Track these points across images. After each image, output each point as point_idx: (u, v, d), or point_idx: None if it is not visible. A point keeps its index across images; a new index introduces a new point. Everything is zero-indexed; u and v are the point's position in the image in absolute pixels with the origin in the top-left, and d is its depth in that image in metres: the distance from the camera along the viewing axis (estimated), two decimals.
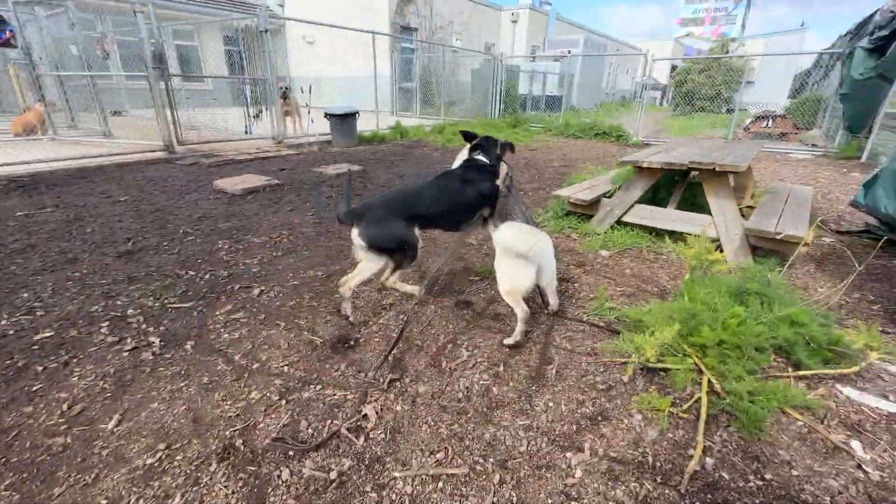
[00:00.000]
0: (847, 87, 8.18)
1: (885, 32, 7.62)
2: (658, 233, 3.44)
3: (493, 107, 13.40)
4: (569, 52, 18.10)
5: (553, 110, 17.32)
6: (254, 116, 7.85)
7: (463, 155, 2.57)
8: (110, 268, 2.85)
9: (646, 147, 10.28)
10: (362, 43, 12.38)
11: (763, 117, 12.58)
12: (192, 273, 2.81)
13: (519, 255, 1.97)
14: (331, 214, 4.03)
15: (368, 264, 2.13)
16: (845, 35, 13.53)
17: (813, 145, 10.31)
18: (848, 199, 5.13)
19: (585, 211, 3.65)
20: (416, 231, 2.15)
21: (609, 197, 3.62)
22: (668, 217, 3.27)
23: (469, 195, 2.34)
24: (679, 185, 3.36)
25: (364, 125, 9.89)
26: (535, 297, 2.44)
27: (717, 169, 2.81)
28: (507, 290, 2.05)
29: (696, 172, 3.11)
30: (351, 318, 2.27)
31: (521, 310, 2.01)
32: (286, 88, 8.07)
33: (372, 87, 9.81)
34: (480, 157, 2.48)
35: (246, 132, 8.18)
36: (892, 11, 8.93)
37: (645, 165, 3.08)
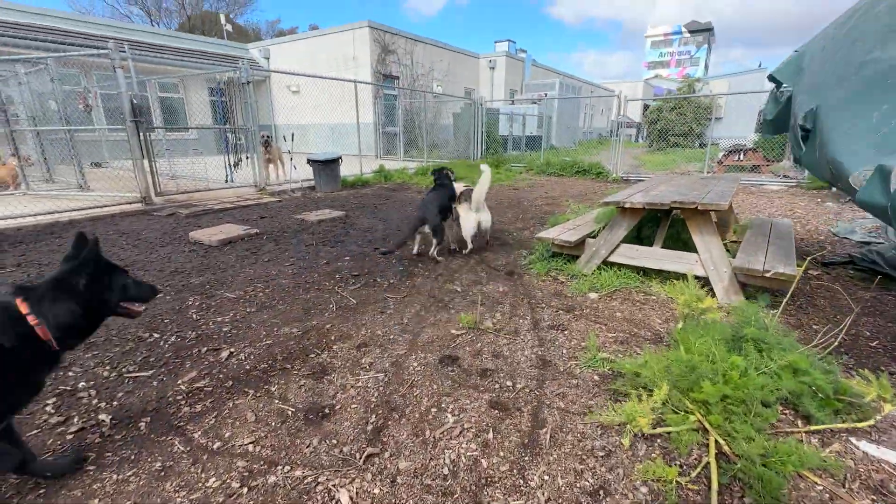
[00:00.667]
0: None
1: None
2: (646, 272, 3.37)
3: (475, 148, 13.70)
4: (545, 94, 18.86)
5: (534, 149, 17.81)
6: (234, 165, 7.82)
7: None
8: None
9: (626, 183, 10.52)
10: (346, 91, 12.74)
11: (735, 151, 13.07)
12: (156, 335, 2.61)
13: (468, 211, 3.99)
14: (309, 264, 3.90)
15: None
16: None
17: (784, 176, 10.67)
18: (825, 228, 5.21)
19: (571, 252, 3.59)
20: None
21: (594, 237, 3.57)
22: (655, 256, 3.21)
23: (446, 197, 4.11)
24: (663, 223, 3.34)
25: (348, 170, 9.95)
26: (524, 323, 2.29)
27: (699, 208, 2.79)
28: (465, 228, 4.05)
29: (679, 210, 3.09)
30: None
31: (468, 244, 4.10)
32: (268, 137, 8.16)
33: (354, 133, 9.96)
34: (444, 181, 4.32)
35: (227, 180, 8.12)
36: None
37: (627, 206, 3.05)
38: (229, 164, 7.95)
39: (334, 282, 3.48)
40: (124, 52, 5.95)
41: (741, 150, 13.01)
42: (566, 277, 3.49)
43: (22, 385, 1.37)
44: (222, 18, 20.19)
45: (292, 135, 7.73)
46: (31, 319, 1.32)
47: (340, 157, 8.04)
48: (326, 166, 7.80)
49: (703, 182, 3.89)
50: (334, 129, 14.77)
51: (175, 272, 3.70)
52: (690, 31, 75.20)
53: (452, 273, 3.69)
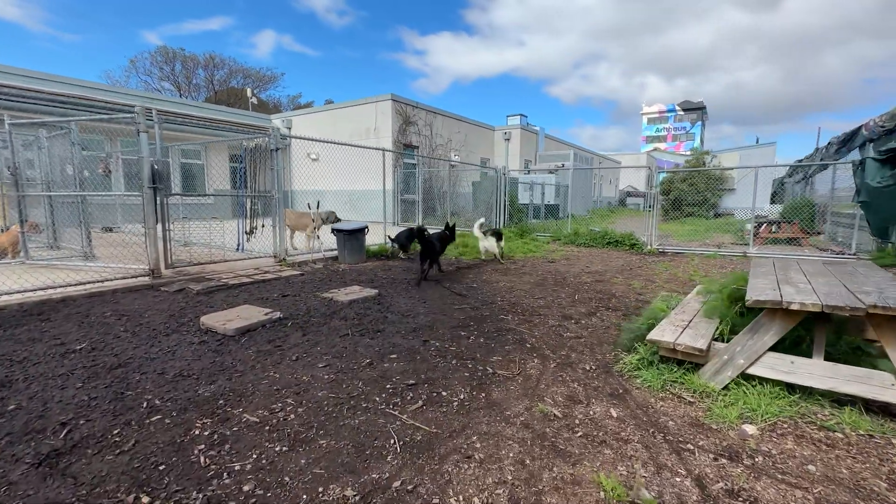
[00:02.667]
0: (865, 195, 8.07)
1: (893, 145, 7.71)
2: (799, 389, 2.53)
3: (497, 216, 13.31)
4: (562, 164, 18.98)
5: (551, 218, 17.51)
6: (248, 232, 7.27)
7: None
8: (14, 491, 1.79)
9: (663, 255, 9.87)
10: (365, 159, 12.65)
11: (771, 222, 12.57)
12: (145, 501, 1.76)
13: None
14: (348, 364, 3.08)
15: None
16: (825, 147, 14.32)
17: (831, 251, 10.01)
18: None
19: (691, 358, 2.78)
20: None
21: (723, 341, 2.78)
22: (821, 372, 2.40)
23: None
24: (820, 327, 2.57)
25: (370, 238, 9.41)
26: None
27: None
28: (484, 248, 8.02)
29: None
30: None
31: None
32: (331, 214, 8.16)
33: (374, 199, 9.59)
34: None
35: (238, 248, 7.52)
36: (881, 126, 9.30)
37: (796, 308, 2.29)
38: (244, 232, 7.39)
39: (386, 395, 2.65)
40: (151, 117, 5.62)
41: (776, 221, 12.52)
42: (692, 395, 2.65)
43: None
44: (248, 92, 21.14)
45: (318, 203, 7.25)
46: None
47: (367, 227, 7.49)
48: (352, 236, 7.23)
49: (849, 272, 3.16)
50: (351, 195, 14.58)
51: (180, 376, 2.89)
52: (684, 110, 79.47)
53: (535, 383, 2.86)
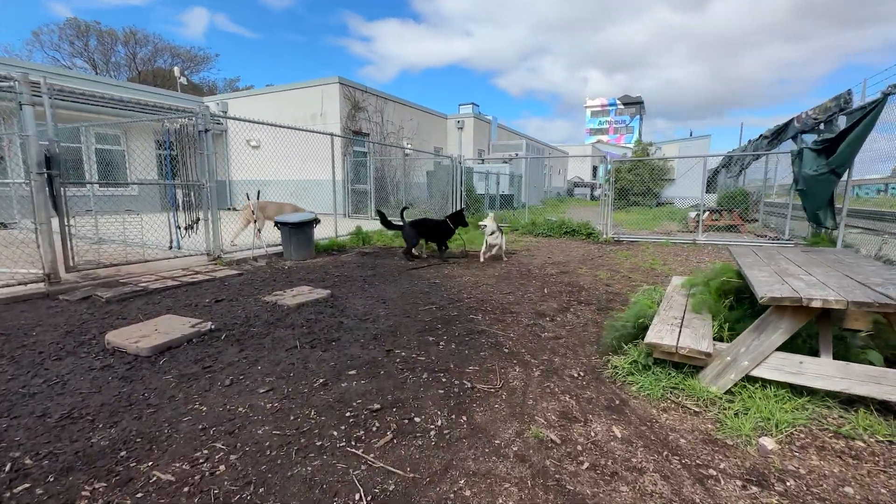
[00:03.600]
0: (803, 183, 8.49)
1: (829, 136, 8.14)
2: (805, 391, 2.33)
3: (454, 206, 12.91)
4: (516, 154, 18.90)
5: (507, 208, 17.41)
6: (184, 228, 6.34)
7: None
8: None
9: (619, 244, 9.95)
10: (312, 146, 11.74)
11: (713, 210, 13.14)
12: None
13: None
14: (297, 388, 2.53)
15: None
16: (758, 139, 15.20)
17: (769, 237, 10.58)
18: None
19: (689, 361, 2.50)
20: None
21: (721, 340, 2.53)
22: (834, 372, 2.19)
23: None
24: (824, 324, 2.37)
25: (320, 232, 8.67)
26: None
27: None
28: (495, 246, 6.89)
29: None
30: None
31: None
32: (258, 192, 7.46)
33: (322, 189, 8.84)
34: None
35: (171, 247, 6.57)
36: (814, 118, 9.85)
37: (817, 305, 2.04)
38: (178, 227, 6.44)
39: (346, 427, 2.15)
40: (39, 90, 4.60)
41: (719, 209, 13.12)
42: (696, 403, 2.37)
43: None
44: (176, 71, 19.08)
45: (258, 192, 6.45)
46: None
47: (317, 219, 6.79)
48: (299, 229, 6.51)
49: (836, 260, 3.03)
50: (297, 185, 13.57)
51: (69, 418, 2.20)
52: (624, 104, 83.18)
53: (522, 398, 2.47)
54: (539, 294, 4.91)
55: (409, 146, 17.40)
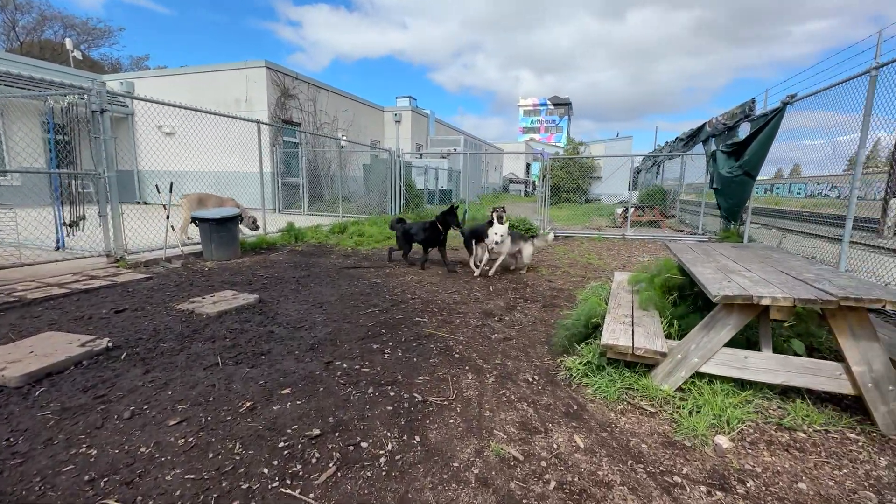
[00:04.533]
0: (718, 182, 9.27)
1: (738, 139, 8.95)
2: (749, 384, 2.40)
3: (392, 202, 12.54)
4: (454, 149, 18.87)
5: (445, 203, 17.35)
6: (70, 224, 5.41)
7: None
8: None
9: (555, 239, 10.25)
10: (237, 135, 10.76)
11: (639, 207, 14.03)
12: None
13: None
14: (217, 415, 2.14)
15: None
16: (675, 141, 16.50)
17: (686, 232, 11.51)
18: None
19: (644, 360, 2.48)
20: None
21: (668, 337, 2.53)
22: (776, 366, 2.26)
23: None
24: (764, 319, 2.46)
25: (244, 229, 7.92)
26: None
27: (887, 306, 1.92)
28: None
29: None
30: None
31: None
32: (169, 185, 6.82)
33: (249, 182, 8.08)
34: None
35: (58, 247, 5.60)
36: (724, 123, 10.80)
37: (767, 303, 2.07)
38: (63, 224, 5.49)
39: (280, 461, 1.83)
40: None
41: (643, 206, 14.03)
42: (651, 403, 2.34)
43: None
44: (68, 44, 16.51)
45: (170, 184, 5.68)
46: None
47: (241, 215, 6.15)
48: (221, 226, 5.84)
49: (765, 256, 3.19)
50: (219, 178, 12.40)
51: None
52: (554, 104, 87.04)
53: (478, 409, 2.29)
54: (484, 292, 4.80)
55: (345, 138, 16.68)
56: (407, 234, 6.12)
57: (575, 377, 2.63)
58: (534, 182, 41.78)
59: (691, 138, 13.99)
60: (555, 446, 1.98)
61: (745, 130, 9.80)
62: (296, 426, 2.09)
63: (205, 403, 2.27)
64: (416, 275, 5.56)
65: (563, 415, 2.26)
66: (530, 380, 2.66)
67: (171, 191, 5.63)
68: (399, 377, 2.64)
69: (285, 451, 1.89)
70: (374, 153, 14.86)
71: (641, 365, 2.54)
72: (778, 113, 7.31)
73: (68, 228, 5.59)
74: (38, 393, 2.32)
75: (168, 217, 5.58)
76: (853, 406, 2.28)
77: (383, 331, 3.46)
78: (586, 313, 2.98)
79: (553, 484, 1.73)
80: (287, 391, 2.43)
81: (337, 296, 4.43)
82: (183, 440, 1.95)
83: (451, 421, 2.18)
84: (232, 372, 2.64)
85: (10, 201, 7.06)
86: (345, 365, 2.79)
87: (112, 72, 28.70)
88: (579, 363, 2.72)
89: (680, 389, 2.42)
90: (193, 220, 5.77)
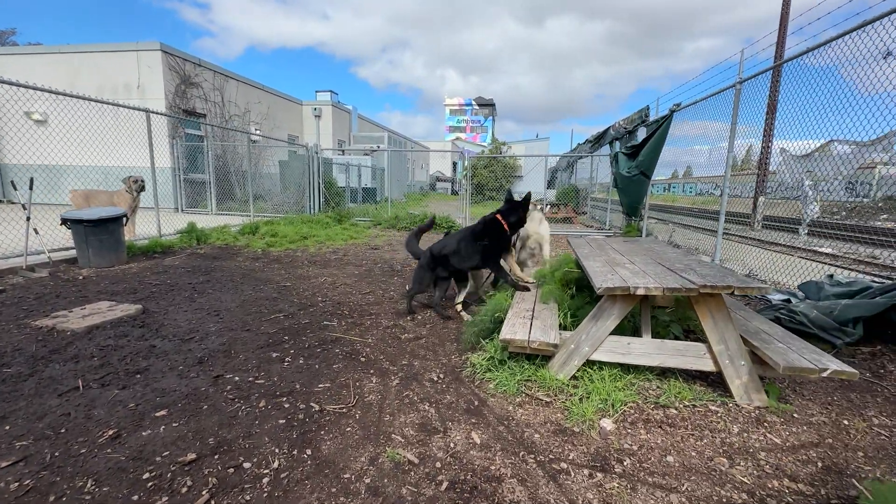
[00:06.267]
0: (620, 182, 10.11)
1: (636, 142, 9.81)
2: (632, 368, 2.60)
3: (311, 201, 11.98)
4: (377, 146, 18.55)
5: (370, 202, 16.99)
6: None
7: None
8: None
9: None
10: (128, 126, 9.57)
11: (554, 204, 14.86)
12: None
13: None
14: (66, 454, 1.84)
15: None
16: (584, 143, 17.71)
17: (595, 227, 12.43)
18: None
19: (540, 352, 2.58)
20: None
21: (565, 328, 2.66)
22: (651, 350, 2.47)
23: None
24: (645, 306, 2.67)
25: (140, 229, 7.09)
26: None
27: (736, 292, 2.15)
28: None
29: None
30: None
31: None
32: (142, 182, 6.98)
33: (146, 179, 7.19)
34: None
35: None
36: (625, 128, 11.77)
37: (641, 293, 2.23)
38: None
39: (142, 496, 1.60)
40: None
41: (558, 203, 14.89)
42: (547, 393, 2.44)
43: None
44: None
45: (31, 180, 4.86)
46: None
47: (125, 216, 5.45)
48: (100, 229, 5.12)
49: (647, 248, 3.48)
50: (107, 173, 10.96)
51: None
52: (479, 105, 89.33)
53: (378, 414, 2.22)
54: (401, 292, 4.73)
55: (258, 132, 15.63)
56: (440, 259, 3.84)
57: (478, 372, 2.67)
58: (460, 180, 42.64)
59: (598, 140, 15.09)
60: (452, 445, 1.97)
61: (642, 134, 10.78)
62: (167, 452, 1.86)
63: (53, 437, 1.94)
64: (329, 275, 5.33)
65: (463, 412, 2.27)
66: (435, 378, 2.65)
67: (31, 187, 4.82)
68: (297, 387, 2.48)
69: (150, 483, 1.67)
70: (293, 149, 14.10)
71: (541, 357, 2.64)
72: (667, 119, 8.11)
73: None
74: None
75: (28, 218, 4.77)
76: (716, 381, 2.57)
77: (286, 337, 3.25)
78: (492, 309, 3.04)
79: (445, 485, 1.71)
80: (163, 413, 2.16)
81: (238, 302, 4.09)
82: (17, 484, 1.64)
83: (349, 429, 2.08)
84: (95, 396, 2.30)
85: None
86: (236, 378, 2.56)
87: None
88: (483, 359, 2.76)
89: (574, 378, 2.55)
90: (64, 221, 5.00)
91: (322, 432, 2.05)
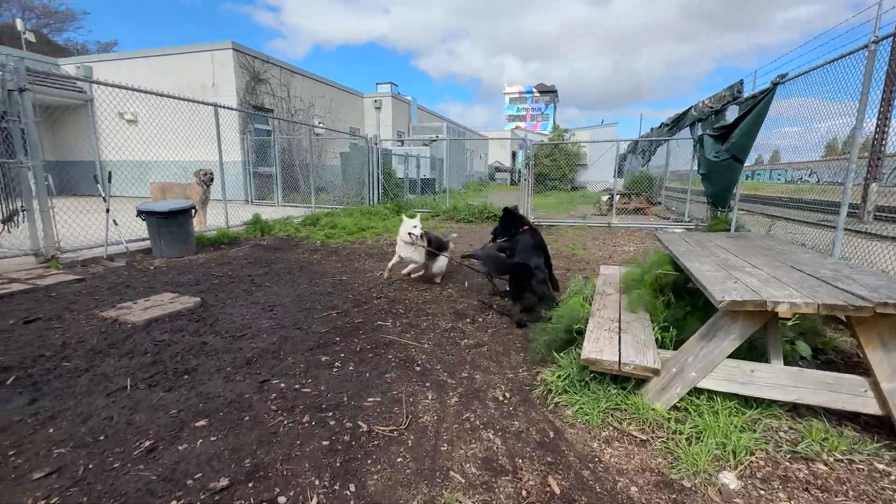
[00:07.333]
0: (705, 167, 8.97)
1: (725, 122, 8.64)
2: (754, 401, 2.03)
3: (370, 192, 12.00)
4: (437, 136, 18.32)
5: (428, 193, 16.83)
6: (2, 221, 4.81)
7: None
8: None
9: (539, 228, 9.88)
10: (203, 122, 10.08)
11: (623, 194, 13.72)
12: None
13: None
14: (101, 465, 1.69)
15: None
16: (660, 127, 16.20)
17: (673, 219, 11.24)
18: None
19: (632, 374, 2.09)
20: None
21: (664, 347, 2.15)
22: (787, 381, 1.90)
23: None
24: (773, 325, 2.09)
25: (210, 220, 7.37)
26: None
27: None
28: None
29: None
30: None
31: None
32: (210, 174, 7.21)
33: (218, 172, 7.45)
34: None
35: None
36: (711, 107, 10.48)
37: (784, 310, 1.68)
38: None
39: None
40: None
41: (629, 193, 13.72)
42: (641, 427, 1.96)
43: None
44: (19, 24, 15.38)
45: (108, 173, 5.10)
46: None
47: (193, 207, 5.60)
48: (171, 220, 5.29)
49: (766, 247, 2.82)
50: (187, 167, 11.70)
51: None
52: (540, 92, 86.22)
53: (434, 442, 1.88)
54: (458, 289, 4.39)
55: (321, 125, 15.99)
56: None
57: (553, 394, 2.24)
58: (519, 170, 41.46)
59: (676, 123, 13.68)
60: (524, 494, 1.58)
61: (732, 114, 9.51)
62: (200, 475, 1.65)
63: (92, 444, 1.82)
64: (386, 270, 5.11)
65: (536, 446, 1.87)
66: (500, 398, 2.26)
67: (109, 181, 5.05)
68: (345, 399, 2.21)
69: None
70: (354, 141, 14.25)
71: (632, 379, 2.16)
72: (768, 94, 6.98)
73: (1, 226, 4.99)
74: None
75: (108, 210, 5.01)
76: (875, 425, 1.94)
77: (337, 338, 3.02)
78: (568, 316, 2.58)
79: None
80: (202, 423, 1.98)
81: (293, 297, 3.96)
82: (42, 502, 1.50)
83: (399, 459, 1.77)
84: (141, 398, 2.18)
85: None
86: (282, 385, 2.35)
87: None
88: (558, 376, 2.32)
89: (675, 408, 2.05)
90: (139, 213, 5.21)
91: (369, 462, 1.75)
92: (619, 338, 2.20)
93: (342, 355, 2.75)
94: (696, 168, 9.81)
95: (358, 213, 9.78)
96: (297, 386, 2.34)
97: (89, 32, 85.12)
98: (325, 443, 1.86)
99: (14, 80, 4.27)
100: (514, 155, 46.49)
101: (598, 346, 2.11)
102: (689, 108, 11.86)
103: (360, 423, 2.01)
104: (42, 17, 31.29)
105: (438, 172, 18.79)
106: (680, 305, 2.54)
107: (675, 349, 2.19)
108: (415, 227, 4.23)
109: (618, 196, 12.73)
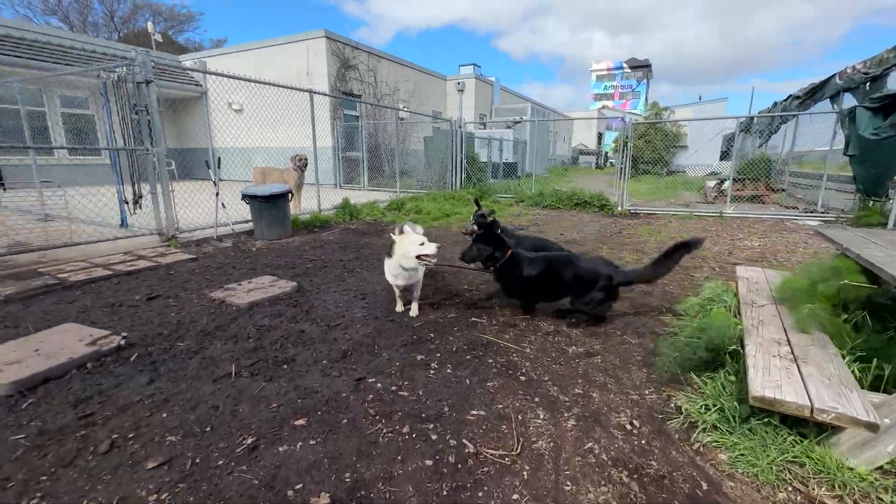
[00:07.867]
0: (856, 147, 7.40)
1: (891, 91, 7.00)
2: None
3: (453, 176, 11.82)
4: (521, 118, 17.58)
5: (511, 177, 16.27)
6: (132, 202, 5.36)
7: None
8: None
9: (636, 217, 8.95)
10: (298, 109, 10.57)
11: (737, 180, 12.01)
12: None
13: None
14: (207, 460, 1.65)
15: None
16: (787, 99, 13.86)
17: (804, 210, 9.55)
18: None
19: (829, 423, 1.60)
20: None
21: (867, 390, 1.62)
22: None
23: None
24: None
25: (305, 203, 7.69)
26: None
27: None
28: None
29: None
30: None
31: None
32: (305, 159, 7.57)
33: (312, 158, 7.73)
34: None
35: (123, 224, 5.63)
36: (864, 73, 8.62)
37: None
38: (124, 202, 5.48)
39: None
40: None
41: (742, 178, 11.97)
42: (836, 493, 1.48)
43: None
44: (150, 27, 17.45)
45: (218, 159, 5.43)
46: None
47: (290, 192, 5.80)
48: (271, 204, 5.53)
49: None
50: (283, 153, 12.46)
51: None
52: (631, 67, 79.37)
53: (553, 477, 1.59)
54: None
55: (406, 109, 16.10)
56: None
57: (698, 429, 1.82)
58: (606, 153, 38.71)
59: (811, 95, 11.61)
60: None
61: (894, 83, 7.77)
62: (300, 485, 1.53)
63: (199, 435, 1.80)
64: None
65: (686, 499, 1.49)
66: (627, 426, 1.89)
67: (219, 166, 5.38)
68: (445, 409, 2.00)
69: None
70: (436, 125, 14.14)
71: (808, 422, 1.66)
72: None
73: (130, 206, 5.58)
74: (25, 405, 1.99)
75: (217, 194, 5.35)
76: None
77: (431, 335, 2.83)
78: (712, 331, 2.10)
79: None
80: (302, 422, 1.89)
81: (383, 284, 3.86)
82: (154, 497, 1.47)
83: (515, 496, 1.50)
84: (244, 387, 2.16)
85: (47, 179, 7.39)
86: (379, 385, 2.20)
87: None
88: (703, 407, 1.89)
89: (882, 470, 1.53)
90: (243, 197, 5.51)
91: (480, 493, 1.51)
92: (799, 369, 1.70)
93: (438, 355, 2.55)
94: (839, 148, 8.13)
95: (441, 197, 9.66)
96: (393, 388, 2.18)
97: (205, 32, 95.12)
98: (428, 462, 1.66)
99: (142, 72, 4.63)
100: (599, 136, 43.50)
101: (773, 380, 1.63)
102: (832, 76, 9.92)
103: (465, 441, 1.78)
104: (168, 20, 35.35)
105: (521, 156, 18.08)
106: (877, 329, 1.93)
107: (871, 388, 1.65)
108: (421, 244, 2.96)
109: (726, 182, 11.15)
